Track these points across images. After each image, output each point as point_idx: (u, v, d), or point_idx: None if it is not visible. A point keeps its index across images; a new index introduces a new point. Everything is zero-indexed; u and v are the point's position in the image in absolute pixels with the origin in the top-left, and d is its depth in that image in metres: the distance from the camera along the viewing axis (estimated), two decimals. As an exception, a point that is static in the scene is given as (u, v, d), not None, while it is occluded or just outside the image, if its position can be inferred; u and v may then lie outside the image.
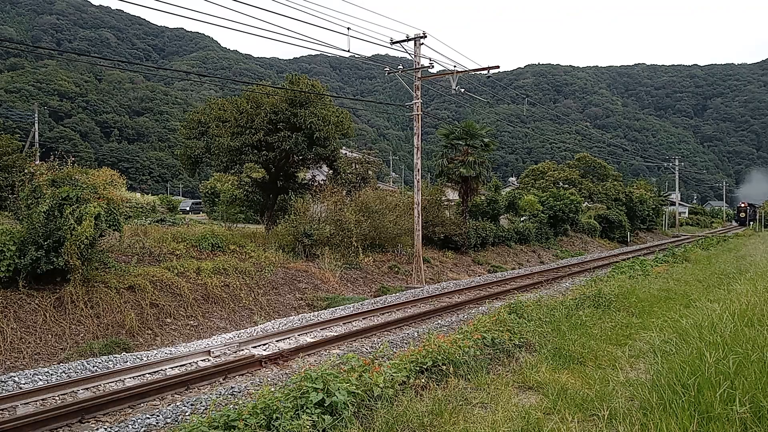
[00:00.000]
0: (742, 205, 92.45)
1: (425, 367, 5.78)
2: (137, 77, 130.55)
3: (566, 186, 46.35)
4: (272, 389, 5.02)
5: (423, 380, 5.47)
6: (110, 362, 9.34)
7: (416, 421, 4.39)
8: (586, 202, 45.01)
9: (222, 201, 31.87)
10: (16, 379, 8.27)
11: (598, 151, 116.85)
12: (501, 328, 7.35)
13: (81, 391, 7.99)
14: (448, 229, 25.91)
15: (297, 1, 14.84)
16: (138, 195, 37.33)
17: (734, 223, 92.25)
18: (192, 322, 12.77)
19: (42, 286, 11.30)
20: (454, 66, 21.31)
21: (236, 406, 5.37)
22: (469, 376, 5.70)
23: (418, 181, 21.06)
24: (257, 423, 4.36)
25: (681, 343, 6.15)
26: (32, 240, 10.97)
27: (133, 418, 6.89)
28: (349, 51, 18.37)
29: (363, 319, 13.51)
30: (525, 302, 9.57)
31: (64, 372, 8.74)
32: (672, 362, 5.34)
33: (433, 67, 20.88)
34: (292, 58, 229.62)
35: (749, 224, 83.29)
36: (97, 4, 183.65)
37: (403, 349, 8.75)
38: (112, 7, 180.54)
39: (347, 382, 4.85)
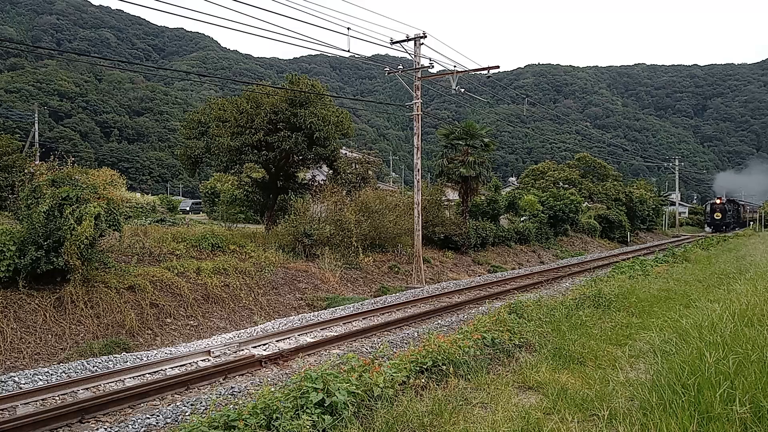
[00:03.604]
0: (718, 201, 64.63)
1: (425, 367, 5.78)
2: (137, 77, 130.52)
3: (566, 186, 46.35)
4: (272, 389, 5.02)
5: (423, 380, 5.47)
6: (110, 362, 9.34)
7: (416, 421, 4.39)
8: (586, 202, 45.02)
9: (222, 201, 31.93)
10: (16, 379, 8.27)
11: (598, 151, 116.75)
12: (501, 328, 7.35)
13: (81, 391, 7.98)
14: (448, 229, 25.92)
15: (297, 1, 14.85)
16: (138, 195, 37.34)
17: (706, 229, 64.95)
18: (192, 322, 12.77)
19: (42, 286, 11.29)
20: (454, 66, 21.32)
21: (236, 406, 5.38)
22: (469, 376, 5.70)
23: (418, 181, 21.06)
24: (257, 423, 4.36)
25: (681, 343, 6.15)
26: (32, 240, 10.97)
27: (133, 418, 6.89)
28: (349, 51, 18.39)
29: (363, 319, 13.51)
30: (525, 302, 9.57)
31: (64, 372, 8.74)
32: (672, 362, 5.34)
33: (433, 67, 20.89)
34: (292, 58, 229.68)
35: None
36: (97, 4, 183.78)
37: (403, 349, 8.74)
38: (112, 7, 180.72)
39: (347, 382, 4.85)
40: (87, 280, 11.60)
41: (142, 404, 7.62)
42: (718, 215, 62.22)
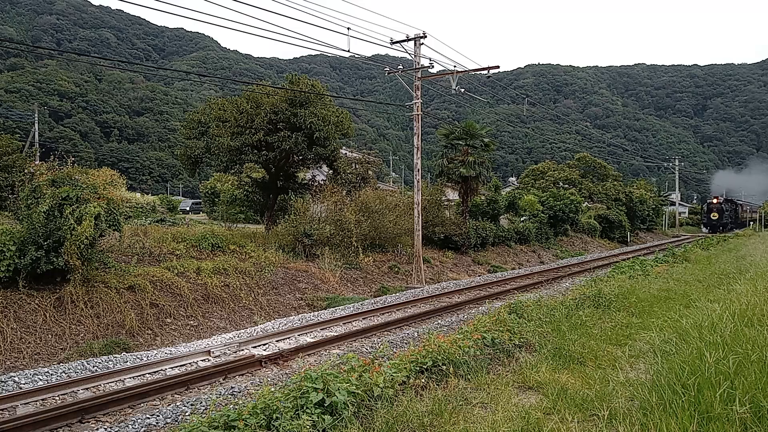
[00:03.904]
0: (715, 201, 62.20)
1: (425, 367, 5.78)
2: (137, 77, 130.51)
3: (566, 186, 46.36)
4: (272, 389, 5.02)
5: (423, 380, 5.46)
6: (110, 362, 9.34)
7: (416, 421, 4.39)
8: (586, 202, 45.03)
9: (222, 201, 31.94)
10: (16, 379, 8.28)
11: (598, 151, 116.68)
12: (501, 328, 7.35)
13: (81, 391, 7.98)
14: (448, 229, 25.92)
15: (297, 1, 14.85)
16: (138, 195, 37.35)
17: (703, 230, 63.17)
18: (192, 322, 12.77)
19: (42, 286, 11.30)
20: (454, 66, 21.32)
21: (236, 406, 5.37)
22: (469, 376, 5.70)
23: (418, 181, 21.06)
24: (257, 423, 4.36)
25: (681, 343, 6.15)
26: (32, 240, 10.97)
27: (133, 418, 6.89)
28: (349, 51, 18.40)
29: (363, 319, 13.51)
30: (525, 302, 9.57)
31: (64, 372, 8.74)
32: (672, 362, 5.34)
33: (433, 67, 20.89)
34: (292, 58, 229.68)
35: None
36: (97, 4, 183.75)
37: (403, 349, 8.74)
38: (112, 7, 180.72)
39: (347, 382, 4.85)
40: (87, 280, 11.60)
41: (142, 404, 7.62)
42: (714, 215, 59.86)
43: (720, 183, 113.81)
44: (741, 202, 71.94)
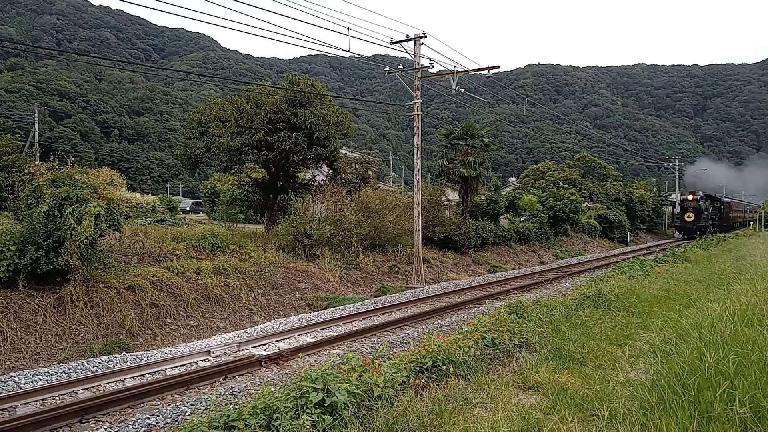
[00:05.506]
0: (690, 197, 47.64)
1: (425, 367, 5.78)
2: (137, 77, 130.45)
3: (566, 186, 46.39)
4: (272, 389, 5.02)
5: (423, 380, 5.46)
6: (110, 362, 9.34)
7: (416, 421, 4.39)
8: (586, 202, 45.04)
9: (222, 201, 31.94)
10: (16, 379, 8.27)
11: (598, 151, 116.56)
12: (501, 328, 7.35)
13: (81, 391, 7.98)
14: (448, 229, 25.92)
15: (297, 1, 14.85)
16: (138, 195, 37.30)
17: (675, 234, 50.59)
18: (192, 322, 12.76)
19: (42, 286, 11.29)
20: (454, 66, 21.33)
21: (236, 406, 5.37)
22: (469, 376, 5.70)
23: (418, 181, 21.06)
24: (257, 423, 4.36)
25: (681, 343, 6.15)
26: (32, 240, 10.97)
27: (133, 418, 6.89)
28: (349, 51, 18.41)
29: (363, 319, 13.51)
30: (525, 302, 9.56)
31: (64, 372, 8.74)
32: (672, 362, 5.34)
33: (433, 67, 20.89)
34: (292, 58, 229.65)
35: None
36: (97, 4, 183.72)
37: (403, 349, 8.74)
38: (112, 7, 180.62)
39: (347, 382, 4.85)
40: (87, 280, 11.59)
41: (142, 404, 7.62)
42: (689, 216, 46.59)
43: (712, 178, 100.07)
44: (729, 200, 60.36)
